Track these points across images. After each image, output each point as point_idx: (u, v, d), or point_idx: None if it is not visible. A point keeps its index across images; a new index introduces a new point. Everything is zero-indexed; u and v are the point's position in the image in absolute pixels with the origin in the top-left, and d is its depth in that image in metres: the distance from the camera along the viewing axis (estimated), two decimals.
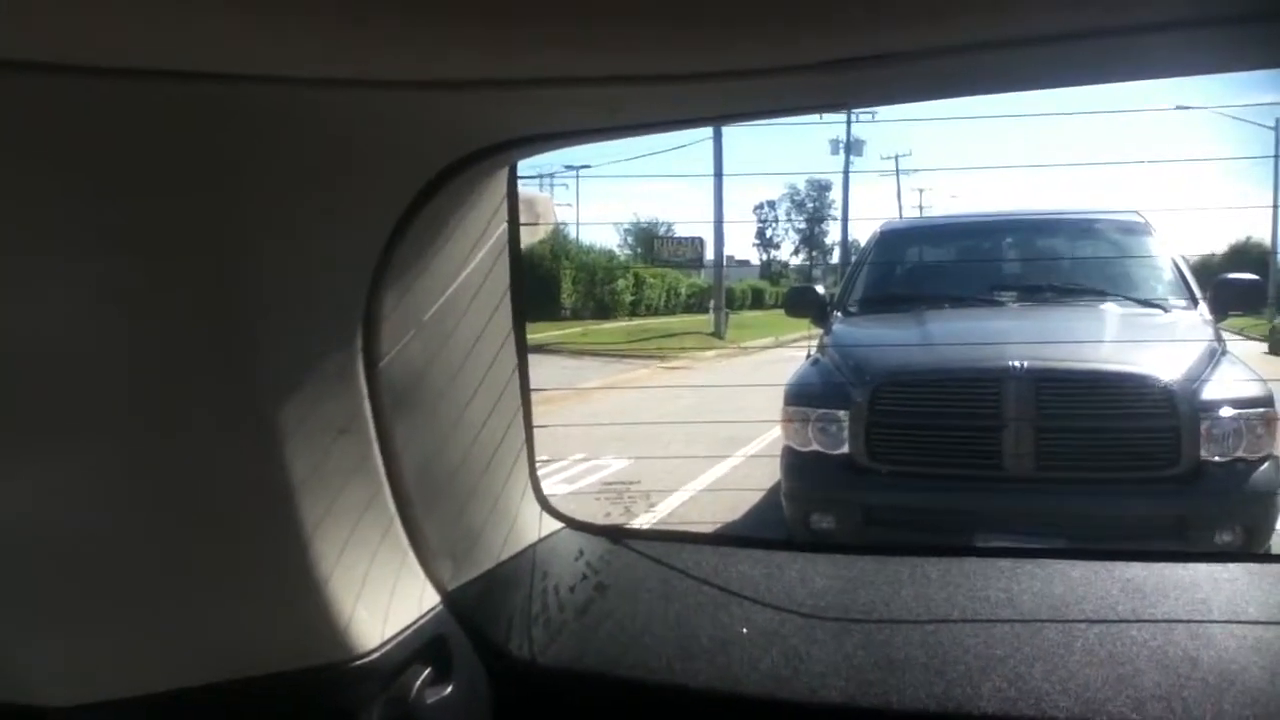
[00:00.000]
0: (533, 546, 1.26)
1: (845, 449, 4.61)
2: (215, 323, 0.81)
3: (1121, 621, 1.09)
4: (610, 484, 7.45)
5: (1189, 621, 1.08)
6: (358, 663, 0.95)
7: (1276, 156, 34.77)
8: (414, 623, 1.04)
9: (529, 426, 1.25)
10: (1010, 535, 4.09)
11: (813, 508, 4.78)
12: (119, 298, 0.77)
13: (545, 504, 1.31)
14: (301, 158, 0.80)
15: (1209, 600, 1.12)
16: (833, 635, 1.13)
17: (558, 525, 1.33)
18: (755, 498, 6.49)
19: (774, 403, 5.02)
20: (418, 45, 0.67)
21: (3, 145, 0.68)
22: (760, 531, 5.85)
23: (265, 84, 0.72)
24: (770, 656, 1.10)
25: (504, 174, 1.07)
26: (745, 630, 1.14)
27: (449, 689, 1.06)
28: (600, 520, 5.48)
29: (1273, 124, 35.28)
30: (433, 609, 1.08)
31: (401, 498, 1.03)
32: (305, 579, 0.90)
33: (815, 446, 4.72)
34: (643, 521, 6.34)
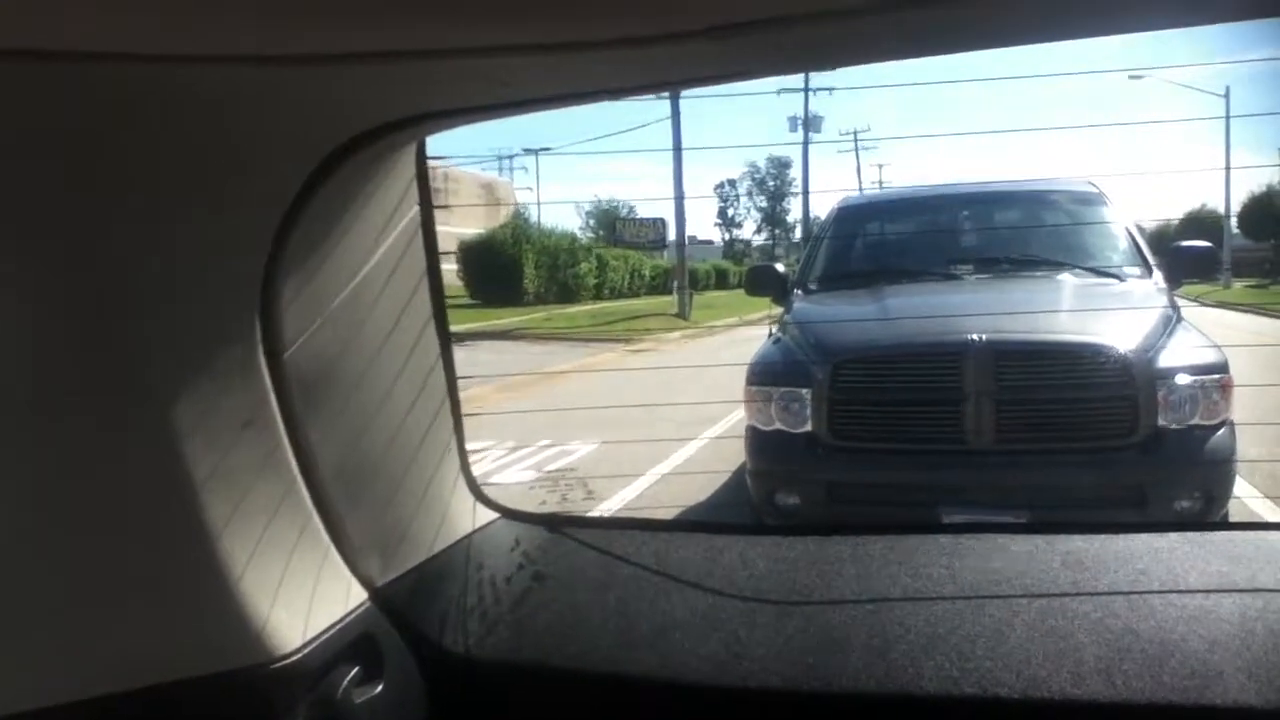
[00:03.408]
0: (467, 538, 1.24)
1: (808, 426, 4.61)
2: (103, 317, 0.77)
3: (1062, 595, 1.08)
4: (574, 470, 7.42)
5: (1129, 593, 1.08)
6: (278, 664, 0.92)
7: (1227, 123, 35.26)
8: (339, 621, 1.01)
9: (458, 415, 1.22)
10: (973, 509, 4.12)
11: (777, 486, 4.78)
12: (2, 295, 0.74)
13: (479, 494, 1.29)
14: (184, 139, 0.76)
15: (1149, 571, 1.12)
16: (774, 618, 1.11)
17: (493, 515, 1.30)
18: (725, 477, 6.49)
19: (740, 382, 5.02)
20: (295, 19, 0.64)
21: None
22: (729, 510, 5.86)
23: (143, 62, 0.67)
24: (711, 642, 1.09)
25: (410, 154, 1.03)
26: (685, 617, 1.13)
27: (380, 687, 1.03)
28: (562, 508, 5.46)
29: (1223, 91, 35.72)
30: (360, 606, 1.05)
31: (318, 492, 1.00)
32: (216, 579, 0.87)
33: (778, 425, 4.71)
34: (609, 509, 6.32)
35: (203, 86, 0.73)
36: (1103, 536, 1.20)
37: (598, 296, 33.58)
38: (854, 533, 1.29)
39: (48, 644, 0.87)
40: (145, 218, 0.77)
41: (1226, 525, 3.82)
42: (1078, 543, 1.19)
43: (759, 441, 4.83)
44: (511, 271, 29.39)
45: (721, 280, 47.07)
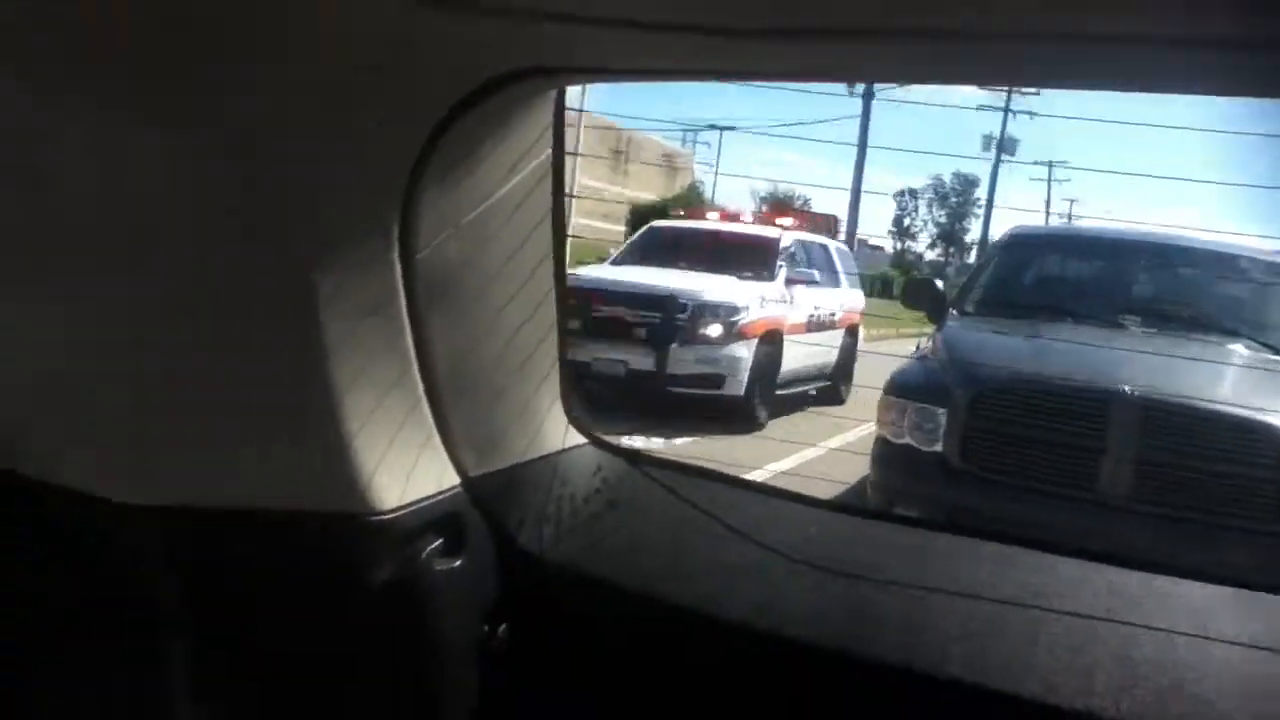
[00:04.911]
0: (555, 455, 1.33)
1: (938, 447, 4.56)
2: (265, 203, 0.91)
3: (1091, 618, 1.10)
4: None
5: (1160, 630, 1.09)
6: (374, 518, 1.03)
7: None
8: (431, 496, 1.12)
9: (563, 346, 1.31)
10: None
11: (898, 501, 4.75)
12: (185, 166, 0.88)
13: (572, 418, 1.38)
14: (348, 49, 0.88)
15: (1190, 616, 1.12)
16: (816, 581, 1.19)
17: (581, 440, 1.39)
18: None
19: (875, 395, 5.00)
20: None
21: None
22: None
23: None
24: (755, 591, 1.17)
25: (549, 100, 1.13)
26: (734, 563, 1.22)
27: (459, 562, 1.13)
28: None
29: None
30: (451, 489, 1.15)
31: (430, 382, 1.11)
32: (333, 432, 1.00)
33: (909, 440, 4.68)
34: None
35: (359, 19, 0.85)
36: (1146, 574, 1.21)
37: None
38: (907, 523, 1.33)
39: (188, 452, 1.03)
40: (302, 108, 0.89)
41: None
42: (1123, 575, 1.20)
43: (886, 454, 4.81)
44: None
45: (886, 288, 46.10)
